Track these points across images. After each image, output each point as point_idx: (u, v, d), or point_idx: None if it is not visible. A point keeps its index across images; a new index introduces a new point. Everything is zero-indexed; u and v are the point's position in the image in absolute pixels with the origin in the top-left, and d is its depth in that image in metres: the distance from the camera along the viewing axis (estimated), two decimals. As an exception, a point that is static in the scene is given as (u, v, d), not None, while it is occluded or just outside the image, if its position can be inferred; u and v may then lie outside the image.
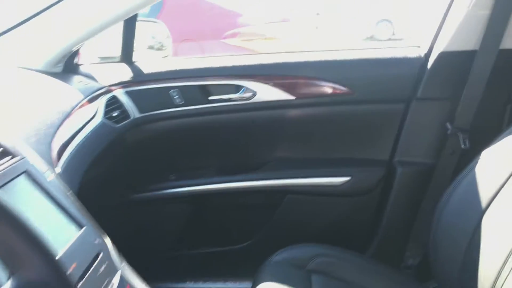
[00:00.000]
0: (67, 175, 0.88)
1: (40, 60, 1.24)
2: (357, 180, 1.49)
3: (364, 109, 1.46)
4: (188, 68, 1.48)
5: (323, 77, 1.44)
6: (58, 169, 0.86)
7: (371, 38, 9.29)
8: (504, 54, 1.29)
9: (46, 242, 0.58)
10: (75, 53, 1.37)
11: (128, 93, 1.43)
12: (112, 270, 0.69)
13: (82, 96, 1.19)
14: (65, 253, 0.60)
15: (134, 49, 1.55)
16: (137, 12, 1.36)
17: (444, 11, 1.36)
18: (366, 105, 1.46)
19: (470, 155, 1.11)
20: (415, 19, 8.31)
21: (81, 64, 1.46)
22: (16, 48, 1.22)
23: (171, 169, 1.58)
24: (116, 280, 0.68)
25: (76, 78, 1.33)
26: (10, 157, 0.65)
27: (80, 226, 0.68)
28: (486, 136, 1.12)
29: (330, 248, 1.24)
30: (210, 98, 1.46)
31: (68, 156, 0.94)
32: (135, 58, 1.55)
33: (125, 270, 0.73)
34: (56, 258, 0.58)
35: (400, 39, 8.80)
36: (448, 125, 1.36)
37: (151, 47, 2.01)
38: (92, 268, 0.63)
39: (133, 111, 1.42)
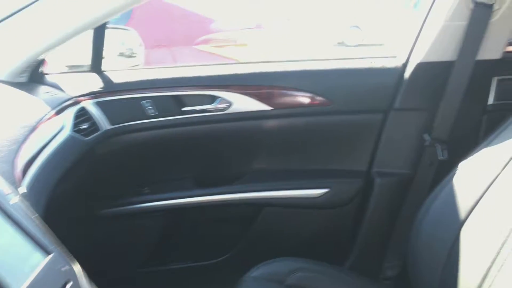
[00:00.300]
0: (33, 194, 0.84)
1: (2, 70, 1.18)
2: (336, 191, 1.48)
3: (341, 120, 1.46)
4: (161, 78, 1.44)
5: (300, 87, 1.42)
6: (23, 189, 0.81)
7: (342, 43, 9.47)
8: (481, 65, 1.31)
9: (4, 279, 0.53)
10: (41, 62, 1.30)
11: (98, 104, 1.37)
12: (82, 300, 0.64)
13: (48, 108, 1.14)
14: (28, 287, 0.55)
15: (103, 56, 1.49)
16: (107, 20, 1.31)
17: (421, 21, 1.37)
18: (344, 115, 1.45)
19: (448, 166, 1.12)
20: (383, 26, 8.54)
21: (48, 74, 1.39)
22: (-24, 57, 1.15)
23: (145, 182, 1.53)
24: (86, 310, 0.64)
25: (42, 89, 1.27)
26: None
27: (46, 252, 0.63)
28: (463, 147, 1.13)
29: (308, 262, 1.23)
30: (184, 109, 1.42)
31: (34, 173, 0.90)
32: (104, 65, 1.49)
33: (96, 299, 0.68)
34: None
35: (370, 45, 9.01)
36: (426, 136, 1.37)
37: (121, 54, 1.97)
38: None
39: (104, 123, 1.37)
